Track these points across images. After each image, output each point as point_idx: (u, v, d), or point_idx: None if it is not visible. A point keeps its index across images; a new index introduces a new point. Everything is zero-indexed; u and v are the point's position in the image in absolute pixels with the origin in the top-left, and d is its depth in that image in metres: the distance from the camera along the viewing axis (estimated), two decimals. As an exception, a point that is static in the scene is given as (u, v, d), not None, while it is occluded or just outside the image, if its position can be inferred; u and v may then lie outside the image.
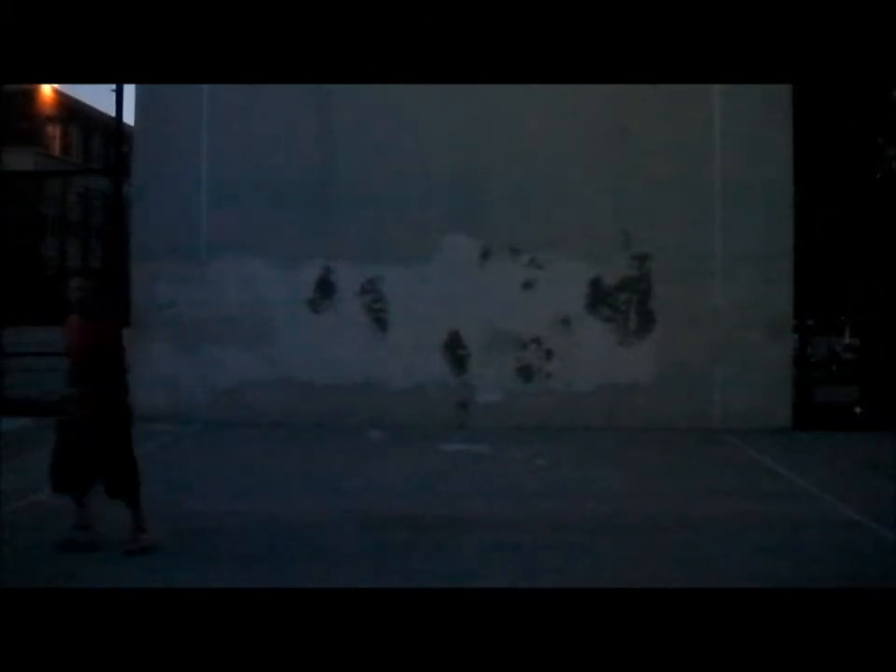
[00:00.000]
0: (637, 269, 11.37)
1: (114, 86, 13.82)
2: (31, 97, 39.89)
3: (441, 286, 11.32)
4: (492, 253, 11.41)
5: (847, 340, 16.59)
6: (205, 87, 11.29)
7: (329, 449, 9.80)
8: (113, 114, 13.82)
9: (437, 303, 11.29)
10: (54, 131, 44.92)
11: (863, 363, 13.10)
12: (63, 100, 44.79)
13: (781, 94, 11.11)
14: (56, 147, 44.96)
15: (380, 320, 11.57)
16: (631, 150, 11.26)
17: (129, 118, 12.81)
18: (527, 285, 11.36)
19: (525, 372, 11.37)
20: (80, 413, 5.71)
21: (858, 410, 11.93)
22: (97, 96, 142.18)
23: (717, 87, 10.99)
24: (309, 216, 11.52)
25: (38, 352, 12.19)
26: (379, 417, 11.10)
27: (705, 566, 5.59)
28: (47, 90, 42.10)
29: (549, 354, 11.33)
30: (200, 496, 7.39)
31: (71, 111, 45.90)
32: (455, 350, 11.45)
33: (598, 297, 11.36)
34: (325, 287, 11.62)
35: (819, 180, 12.35)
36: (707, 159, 11.26)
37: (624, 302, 11.41)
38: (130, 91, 12.66)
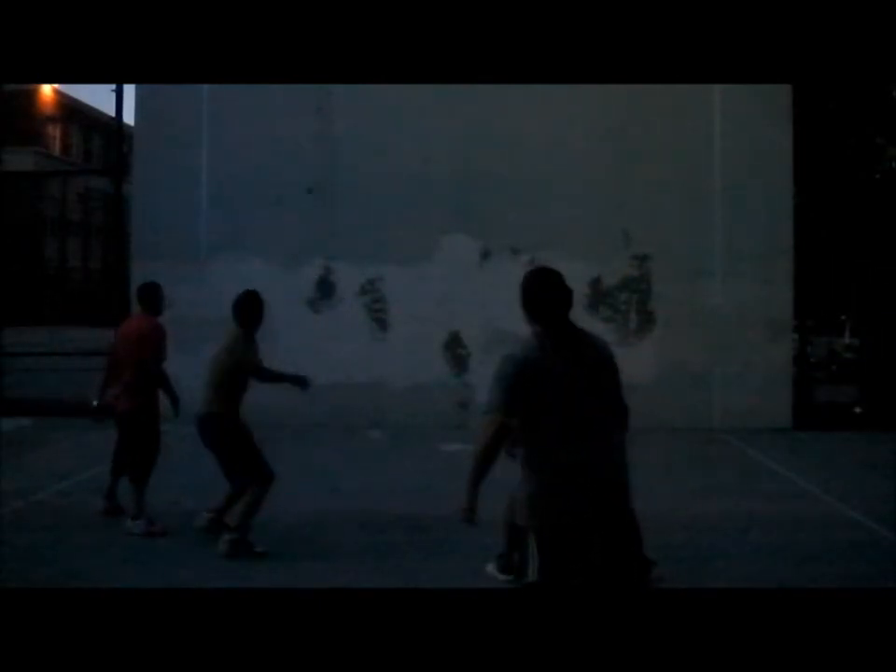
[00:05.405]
0: (637, 269, 11.37)
1: (114, 86, 13.82)
2: (31, 97, 39.86)
3: (441, 286, 11.31)
4: (492, 253, 11.40)
5: (847, 340, 16.62)
6: (205, 86, 11.28)
7: (329, 449, 9.80)
8: (113, 114, 13.83)
9: (437, 303, 11.28)
10: (54, 131, 44.91)
11: (863, 363, 13.12)
12: (63, 100, 44.78)
13: (781, 94, 11.11)
14: (56, 147, 44.95)
15: (380, 320, 11.57)
16: (631, 150, 11.25)
17: (129, 118, 12.83)
18: (527, 285, 11.37)
19: (525, 372, 11.36)
20: None
21: (858, 410, 11.93)
22: (97, 96, 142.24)
23: (717, 87, 10.99)
24: (309, 216, 11.51)
25: (38, 352, 12.20)
26: (379, 417, 11.09)
27: (704, 566, 5.59)
28: (47, 90, 42.07)
29: (549, 354, 11.32)
30: (199, 496, 7.38)
31: (71, 111, 45.89)
32: (455, 350, 11.44)
33: (598, 297, 11.35)
34: (325, 287, 11.62)
35: (819, 180, 12.35)
36: (706, 159, 11.26)
37: (624, 302, 11.41)
38: (130, 90, 12.69)
